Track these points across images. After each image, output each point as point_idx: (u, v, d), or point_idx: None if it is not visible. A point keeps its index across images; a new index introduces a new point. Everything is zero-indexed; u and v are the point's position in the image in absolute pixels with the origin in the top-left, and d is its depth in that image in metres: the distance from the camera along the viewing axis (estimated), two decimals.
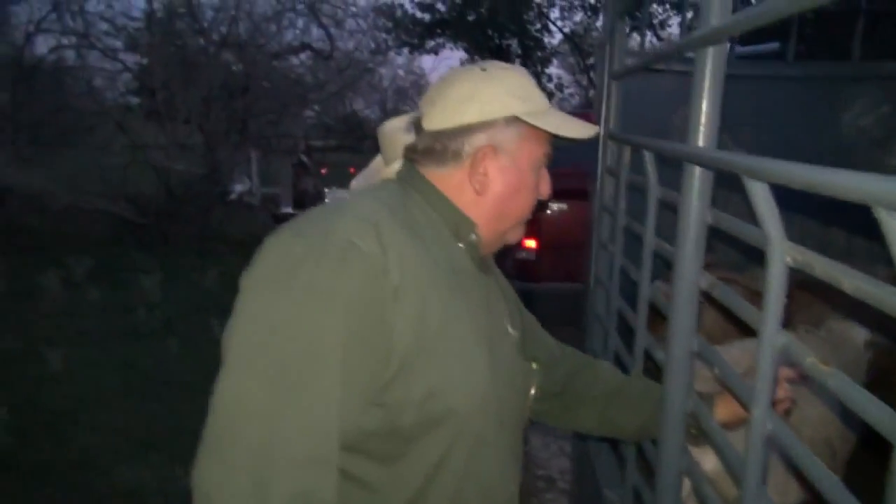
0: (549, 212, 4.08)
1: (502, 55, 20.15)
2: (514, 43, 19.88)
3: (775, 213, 0.82)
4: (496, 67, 1.03)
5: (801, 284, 1.83)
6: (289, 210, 10.25)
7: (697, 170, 1.08)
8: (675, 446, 1.18)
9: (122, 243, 8.39)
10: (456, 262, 1.00)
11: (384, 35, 17.22)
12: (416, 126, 1.04)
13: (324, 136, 14.70)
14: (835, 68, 2.79)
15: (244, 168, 11.19)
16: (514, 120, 1.00)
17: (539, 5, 19.33)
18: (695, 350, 1.13)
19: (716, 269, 1.75)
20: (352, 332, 0.82)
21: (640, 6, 2.48)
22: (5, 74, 9.42)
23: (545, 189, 1.09)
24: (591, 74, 17.05)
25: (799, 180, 0.70)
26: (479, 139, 0.99)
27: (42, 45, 9.81)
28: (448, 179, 1.02)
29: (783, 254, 0.80)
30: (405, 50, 19.01)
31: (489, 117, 0.98)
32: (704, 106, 1.04)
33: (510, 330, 1.13)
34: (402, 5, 18.54)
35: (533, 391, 1.17)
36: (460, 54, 20.76)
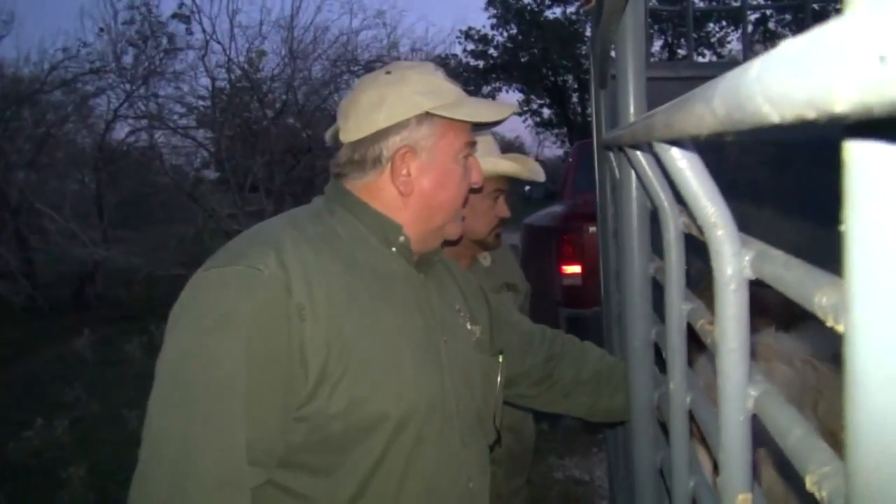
0: (591, 234, 4.00)
1: (559, 92, 20.24)
2: (570, 79, 19.99)
3: (663, 181, 0.82)
4: (401, 68, 1.05)
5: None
6: None
7: (638, 154, 1.08)
8: (646, 439, 1.15)
9: None
10: (384, 267, 1.02)
11: None
12: (336, 141, 1.07)
13: None
14: None
15: None
16: (426, 116, 1.01)
17: None
18: (652, 339, 1.11)
19: None
20: (255, 355, 0.86)
21: None
22: (90, 161, 10.23)
23: (476, 176, 1.10)
24: None
25: None
26: (394, 142, 1.01)
27: (121, 130, 10.59)
28: (372, 186, 1.04)
29: (676, 218, 0.80)
30: None
31: (400, 119, 1.00)
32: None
33: (469, 326, 1.14)
34: (455, 55, 18.97)
35: (499, 381, 1.18)
36: (517, 96, 21.03)
